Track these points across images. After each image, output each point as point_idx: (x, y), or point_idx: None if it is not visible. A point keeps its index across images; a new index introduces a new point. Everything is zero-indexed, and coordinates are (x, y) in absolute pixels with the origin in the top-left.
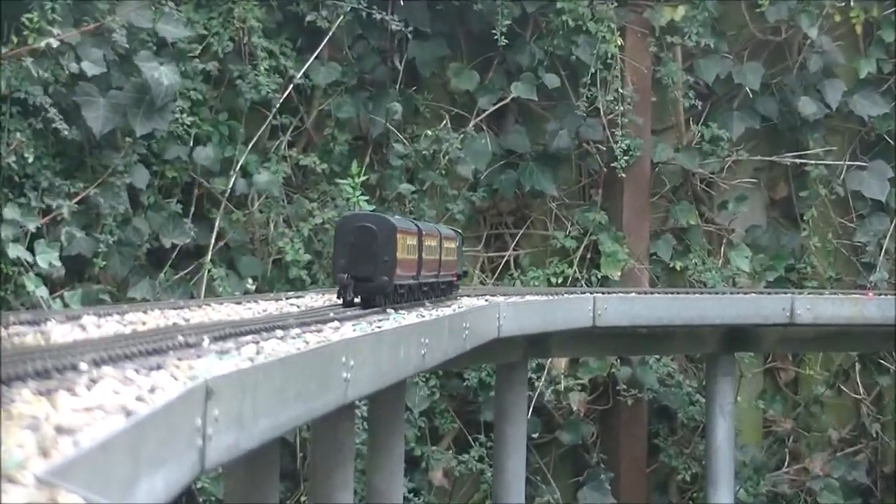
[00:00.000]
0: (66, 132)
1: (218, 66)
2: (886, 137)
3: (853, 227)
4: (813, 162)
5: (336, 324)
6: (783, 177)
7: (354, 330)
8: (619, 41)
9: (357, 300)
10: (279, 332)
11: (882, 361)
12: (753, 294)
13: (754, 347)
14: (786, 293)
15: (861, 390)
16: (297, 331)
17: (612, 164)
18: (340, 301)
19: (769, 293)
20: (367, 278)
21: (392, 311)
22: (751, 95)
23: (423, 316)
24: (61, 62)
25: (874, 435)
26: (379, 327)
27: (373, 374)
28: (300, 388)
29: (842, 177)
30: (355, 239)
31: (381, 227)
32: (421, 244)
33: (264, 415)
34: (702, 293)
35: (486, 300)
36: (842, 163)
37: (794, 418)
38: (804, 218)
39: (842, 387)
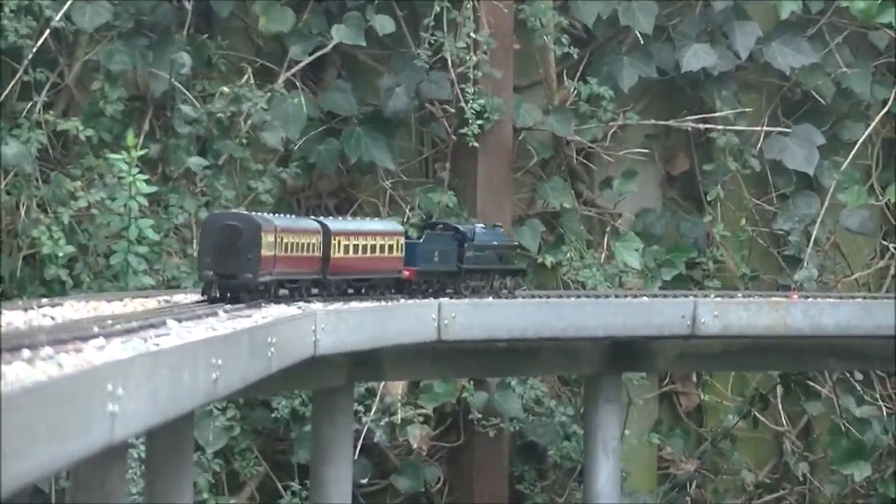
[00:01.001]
0: None
1: None
2: (815, 95)
3: (773, 211)
4: (721, 127)
5: (101, 341)
6: (683, 146)
7: (124, 349)
8: None
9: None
10: (26, 353)
11: (811, 384)
12: (645, 298)
13: (646, 366)
14: (686, 296)
15: (784, 421)
16: (50, 350)
17: (463, 131)
18: (205, 298)
19: (665, 296)
20: (230, 276)
21: (223, 312)
22: (642, 42)
23: (216, 329)
24: None
25: (800, 477)
26: (157, 344)
27: (148, 405)
28: (52, 424)
29: (758, 146)
30: (220, 237)
31: (247, 226)
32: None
33: (6, 459)
34: (579, 297)
35: (300, 308)
36: (758, 128)
37: (699, 457)
38: (709, 199)
39: (759, 416)
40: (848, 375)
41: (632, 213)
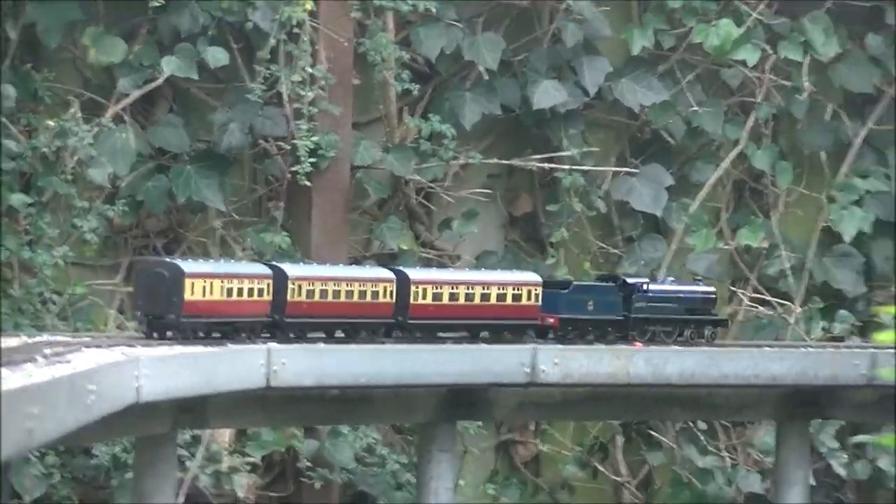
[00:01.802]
0: None
1: None
2: (665, 134)
3: (618, 254)
4: (566, 167)
5: None
6: (527, 187)
7: None
8: (310, 4)
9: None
10: None
11: (653, 433)
12: (484, 345)
13: (484, 415)
14: (527, 344)
15: (623, 470)
16: None
17: (295, 169)
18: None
19: (505, 344)
20: (158, 316)
21: (42, 358)
22: (486, 77)
23: (32, 376)
24: None
25: None
26: None
27: None
28: None
29: (605, 186)
30: (149, 282)
31: (172, 272)
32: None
33: None
34: (414, 345)
35: (123, 353)
36: (605, 168)
37: None
38: (553, 241)
39: (598, 466)
40: (691, 425)
41: (472, 255)
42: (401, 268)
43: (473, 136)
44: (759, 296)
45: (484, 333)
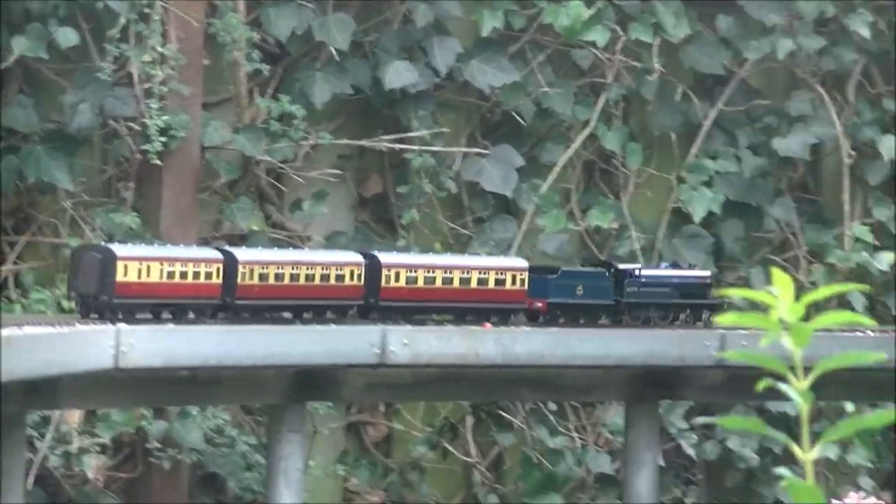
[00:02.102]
0: None
1: None
2: (515, 115)
3: (469, 235)
4: (416, 148)
5: None
6: (377, 168)
7: None
8: None
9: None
10: None
11: (504, 414)
12: (333, 325)
13: (333, 395)
14: (376, 325)
15: (474, 451)
16: None
17: (145, 148)
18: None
19: (354, 324)
20: (91, 297)
21: None
22: (337, 58)
23: None
24: None
25: None
26: None
27: None
28: None
29: (455, 167)
30: (83, 264)
31: (105, 256)
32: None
33: None
34: (263, 326)
35: None
36: (456, 149)
37: (385, 489)
38: (403, 222)
39: (448, 447)
40: (541, 406)
41: (322, 235)
42: (375, 252)
43: (324, 117)
44: None
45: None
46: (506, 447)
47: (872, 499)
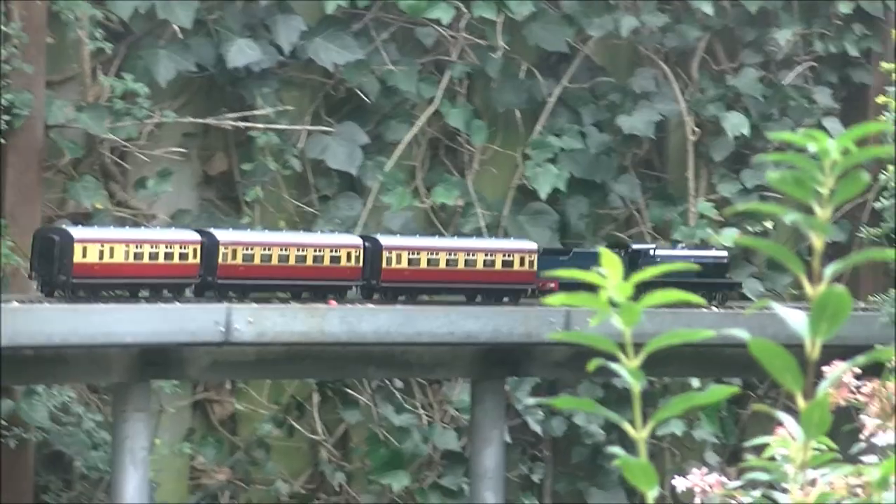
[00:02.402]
0: None
1: None
2: (360, 93)
3: (314, 213)
4: (261, 126)
5: None
6: (222, 146)
7: None
8: None
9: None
10: None
11: (350, 392)
12: (178, 304)
13: (179, 374)
14: (221, 303)
15: (320, 429)
16: None
17: None
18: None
19: (199, 303)
20: (51, 277)
21: None
22: (181, 37)
23: None
24: None
25: (337, 488)
26: None
27: None
28: None
29: (300, 145)
30: (41, 246)
31: (62, 238)
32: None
33: None
34: (108, 304)
35: None
36: (300, 127)
37: (231, 466)
38: (248, 200)
39: (295, 424)
40: (388, 383)
41: (167, 214)
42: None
43: (168, 96)
44: None
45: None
46: (352, 425)
47: (715, 475)
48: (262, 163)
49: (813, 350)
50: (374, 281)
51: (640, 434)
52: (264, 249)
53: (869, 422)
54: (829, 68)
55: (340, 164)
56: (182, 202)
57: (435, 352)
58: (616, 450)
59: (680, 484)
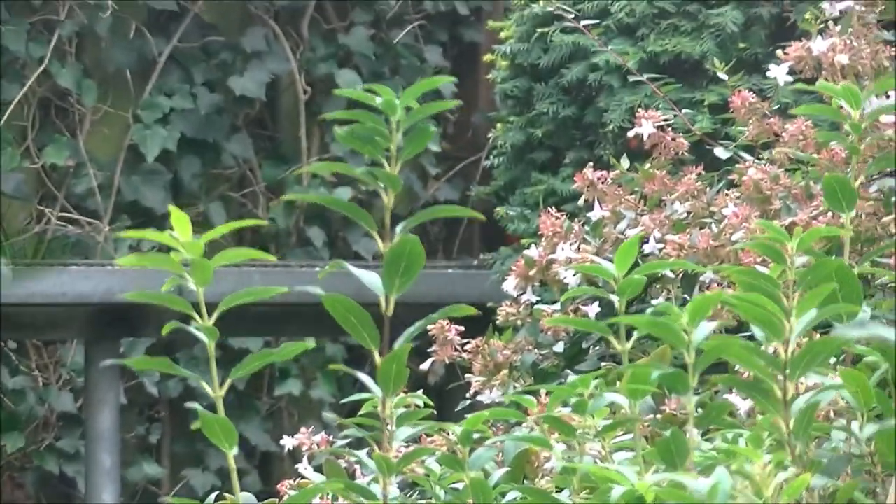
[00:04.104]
0: None
1: None
2: None
3: None
4: None
5: None
6: None
7: None
8: None
9: None
10: None
11: None
12: None
13: None
14: None
15: None
16: None
17: None
18: None
19: None
20: None
21: None
22: None
23: None
24: None
25: None
26: None
27: None
28: None
29: None
30: None
31: None
32: None
33: None
34: None
35: None
36: None
37: None
38: None
39: None
40: (1, 345)
41: None
42: None
43: None
44: (67, 214)
45: None
46: None
47: (322, 434)
48: None
49: (388, 307)
50: None
51: (217, 393)
52: None
53: (474, 379)
54: (440, 27)
55: None
56: None
57: (49, 312)
58: (194, 404)
59: (288, 443)
